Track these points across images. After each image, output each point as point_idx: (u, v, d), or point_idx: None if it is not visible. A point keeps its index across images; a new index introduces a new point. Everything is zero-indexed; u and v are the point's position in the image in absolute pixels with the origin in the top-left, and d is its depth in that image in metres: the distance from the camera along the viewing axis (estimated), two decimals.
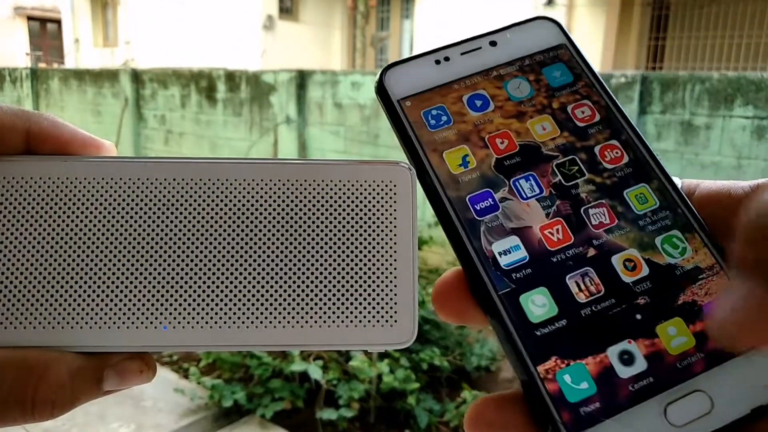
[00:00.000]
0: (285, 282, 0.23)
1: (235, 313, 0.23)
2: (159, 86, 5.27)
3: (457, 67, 0.25)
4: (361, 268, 0.24)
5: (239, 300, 0.23)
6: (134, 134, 5.48)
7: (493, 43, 0.25)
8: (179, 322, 0.23)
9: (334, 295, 0.23)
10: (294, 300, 0.23)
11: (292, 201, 0.24)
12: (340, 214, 0.24)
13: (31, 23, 14.48)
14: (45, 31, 14.70)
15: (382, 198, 0.24)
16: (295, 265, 0.23)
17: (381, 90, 0.24)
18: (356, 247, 0.24)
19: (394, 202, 0.24)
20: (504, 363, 2.56)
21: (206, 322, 0.23)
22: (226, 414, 2.04)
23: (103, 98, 5.76)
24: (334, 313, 0.23)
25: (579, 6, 6.79)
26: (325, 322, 0.23)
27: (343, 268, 0.23)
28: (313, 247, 0.23)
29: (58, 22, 12.84)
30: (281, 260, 0.23)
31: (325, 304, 0.23)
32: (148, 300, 0.23)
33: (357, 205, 0.24)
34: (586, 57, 0.25)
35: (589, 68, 0.25)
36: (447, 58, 0.25)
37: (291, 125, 4.22)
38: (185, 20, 9.30)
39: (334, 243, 0.24)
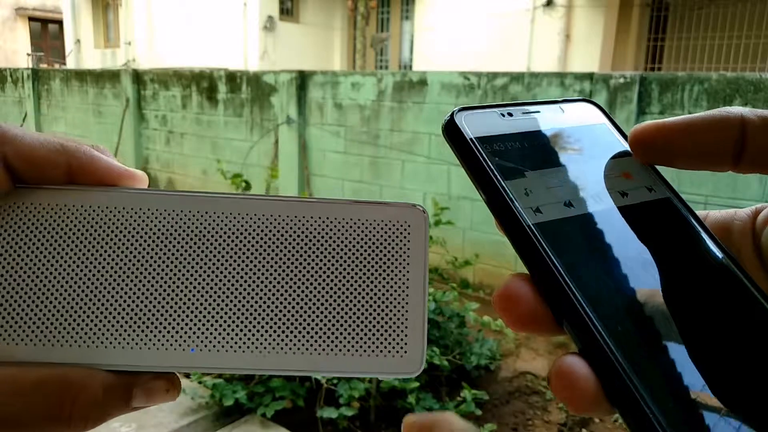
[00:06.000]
0: (304, 311, 0.25)
1: (257, 339, 0.24)
2: (160, 87, 5.28)
3: (520, 122, 0.27)
4: (375, 302, 0.25)
5: (261, 327, 0.25)
6: (135, 135, 5.50)
7: (549, 111, 0.28)
8: (206, 345, 0.24)
9: (349, 325, 0.25)
10: (312, 329, 0.25)
11: (314, 236, 0.25)
12: (358, 250, 0.26)
13: (33, 24, 14.48)
14: (46, 32, 14.70)
15: (397, 237, 0.26)
16: (314, 296, 0.25)
17: (452, 128, 0.26)
18: (371, 282, 0.25)
19: (408, 241, 0.26)
20: (503, 362, 2.56)
21: (230, 347, 0.24)
22: (227, 413, 2.05)
23: (105, 99, 5.77)
24: (348, 342, 0.25)
25: (578, 7, 6.79)
26: (340, 350, 0.25)
27: (359, 301, 0.25)
28: (332, 280, 0.25)
29: (60, 22, 12.84)
30: (301, 291, 0.25)
31: (341, 333, 0.25)
32: (178, 324, 0.24)
33: (374, 243, 0.26)
34: (626, 134, 0.28)
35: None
36: (510, 114, 0.27)
37: (292, 126, 4.23)
38: (186, 21, 9.30)
39: (351, 277, 0.25)
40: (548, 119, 0.28)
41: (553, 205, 0.24)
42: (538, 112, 0.28)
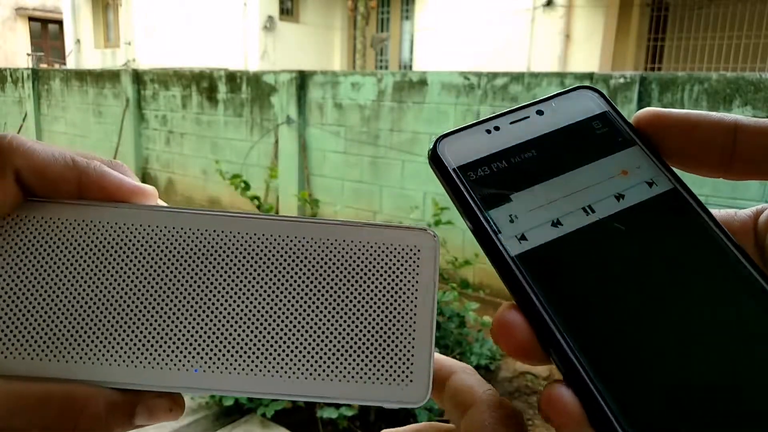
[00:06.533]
0: (310, 336, 0.24)
1: (261, 362, 0.24)
2: (160, 87, 5.28)
3: (507, 135, 0.26)
4: (381, 328, 0.25)
5: (267, 350, 0.24)
6: (135, 135, 5.50)
7: (539, 113, 0.26)
8: (209, 367, 0.24)
9: (354, 352, 0.24)
10: (317, 354, 0.24)
11: (321, 259, 0.25)
12: (366, 274, 0.25)
13: (33, 24, 14.48)
14: (46, 32, 14.70)
15: (407, 262, 0.25)
16: (321, 320, 0.25)
17: (435, 159, 0.25)
18: (378, 307, 0.25)
19: (418, 266, 0.25)
20: (503, 362, 2.57)
21: (234, 369, 0.24)
22: (227, 413, 2.05)
23: (105, 99, 5.77)
24: (354, 369, 0.24)
25: (578, 7, 6.79)
26: (345, 377, 0.24)
27: (365, 327, 0.25)
28: (338, 305, 0.25)
29: (60, 22, 12.84)
30: (308, 315, 0.25)
31: (346, 360, 0.24)
32: (183, 344, 0.24)
33: (383, 267, 0.25)
34: (630, 121, 0.26)
35: (635, 132, 0.26)
36: (497, 128, 0.26)
37: (291, 126, 4.23)
38: (186, 21, 9.30)
39: (359, 302, 0.25)
40: (539, 124, 0.26)
41: (539, 228, 0.23)
42: (528, 117, 0.26)
